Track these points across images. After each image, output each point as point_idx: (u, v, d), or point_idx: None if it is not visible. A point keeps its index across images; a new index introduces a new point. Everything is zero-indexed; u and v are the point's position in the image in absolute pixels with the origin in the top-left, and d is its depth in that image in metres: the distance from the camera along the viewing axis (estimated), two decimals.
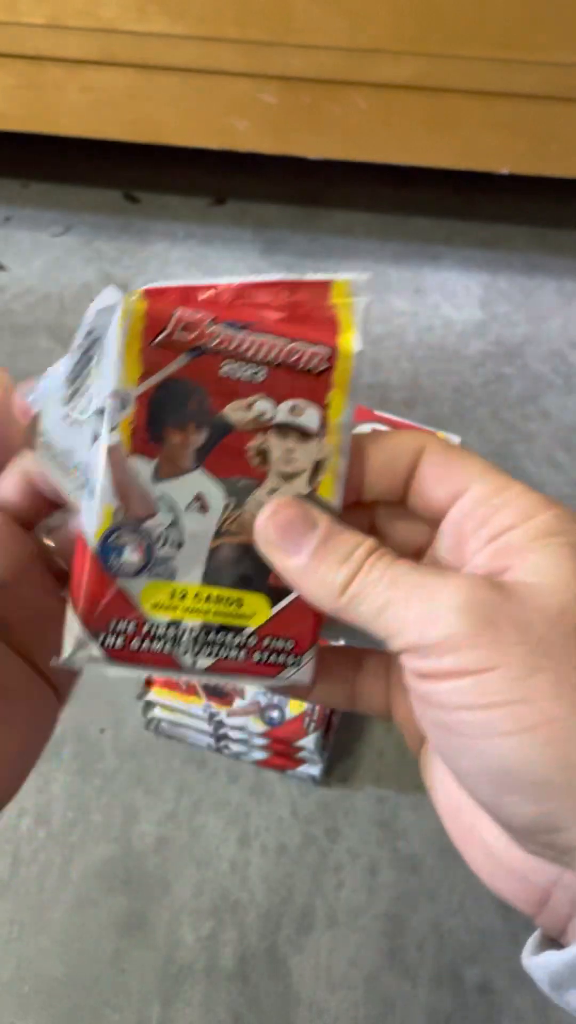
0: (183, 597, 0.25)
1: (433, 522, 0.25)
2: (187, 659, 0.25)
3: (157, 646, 0.25)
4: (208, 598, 0.25)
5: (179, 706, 0.57)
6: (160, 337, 0.24)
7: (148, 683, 0.57)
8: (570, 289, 0.95)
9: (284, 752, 0.58)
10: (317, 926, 0.55)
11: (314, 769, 0.58)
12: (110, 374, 0.24)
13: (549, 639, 0.21)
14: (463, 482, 0.24)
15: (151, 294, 0.24)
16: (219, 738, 0.58)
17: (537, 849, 0.23)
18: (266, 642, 0.26)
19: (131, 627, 0.25)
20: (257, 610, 0.25)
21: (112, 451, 0.24)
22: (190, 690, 0.57)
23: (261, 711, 0.56)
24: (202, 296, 0.24)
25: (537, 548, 0.23)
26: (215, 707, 0.56)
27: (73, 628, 0.24)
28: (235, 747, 0.59)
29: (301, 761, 0.58)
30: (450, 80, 0.78)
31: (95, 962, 0.54)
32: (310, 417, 0.25)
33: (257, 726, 0.56)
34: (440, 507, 0.25)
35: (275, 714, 0.56)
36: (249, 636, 0.25)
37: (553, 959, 0.23)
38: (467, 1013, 0.53)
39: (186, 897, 0.56)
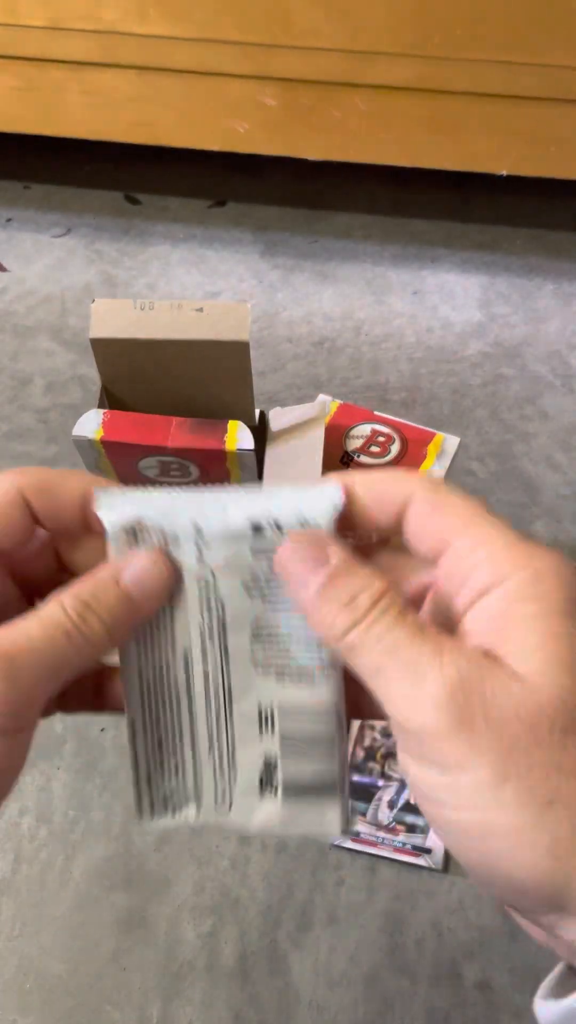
0: None
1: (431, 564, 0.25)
2: None
3: None
4: None
5: None
6: None
7: None
8: (568, 291, 0.95)
9: None
10: (317, 923, 0.56)
11: None
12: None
13: (521, 745, 0.21)
14: (446, 535, 0.24)
15: None
16: None
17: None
18: None
19: None
20: None
21: None
22: None
23: None
24: None
25: (515, 622, 0.22)
26: None
27: None
28: None
29: None
30: (449, 82, 0.79)
31: (96, 960, 0.54)
32: None
33: None
34: (429, 559, 0.24)
35: None
36: None
37: (553, 1008, 0.23)
38: (466, 1010, 0.53)
39: (186, 895, 0.57)
